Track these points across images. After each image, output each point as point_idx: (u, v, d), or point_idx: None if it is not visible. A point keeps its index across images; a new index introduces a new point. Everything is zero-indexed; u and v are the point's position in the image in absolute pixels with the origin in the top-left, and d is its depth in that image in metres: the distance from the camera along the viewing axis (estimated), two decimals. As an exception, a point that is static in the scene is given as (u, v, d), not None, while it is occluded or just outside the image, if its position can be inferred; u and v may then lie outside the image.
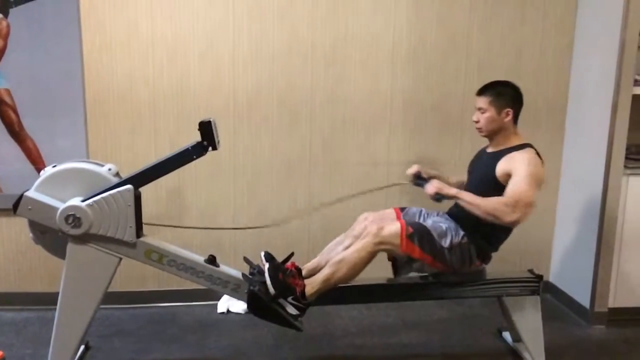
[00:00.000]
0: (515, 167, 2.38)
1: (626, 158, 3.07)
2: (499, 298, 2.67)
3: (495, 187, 2.42)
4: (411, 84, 3.32)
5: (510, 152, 2.46)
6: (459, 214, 2.53)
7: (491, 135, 2.56)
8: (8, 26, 3.00)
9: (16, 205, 2.32)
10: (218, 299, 3.30)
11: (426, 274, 2.58)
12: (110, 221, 2.34)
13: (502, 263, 3.09)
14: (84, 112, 3.12)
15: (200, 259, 2.50)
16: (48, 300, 2.83)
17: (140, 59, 3.12)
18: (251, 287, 2.35)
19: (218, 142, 2.42)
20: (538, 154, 2.48)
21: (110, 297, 2.68)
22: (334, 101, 3.29)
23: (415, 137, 3.38)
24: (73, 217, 2.30)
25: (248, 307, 2.39)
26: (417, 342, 2.98)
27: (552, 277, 3.58)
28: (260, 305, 2.34)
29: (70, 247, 2.36)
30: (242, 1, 3.14)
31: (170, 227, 2.92)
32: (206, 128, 2.37)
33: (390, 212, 2.69)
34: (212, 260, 2.51)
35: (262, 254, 2.47)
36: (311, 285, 2.40)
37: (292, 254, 2.54)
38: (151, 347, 2.87)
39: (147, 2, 3.08)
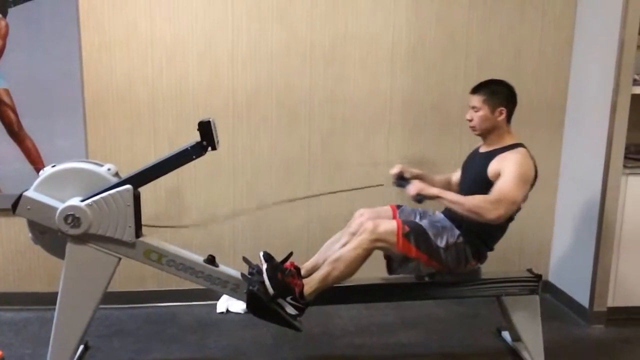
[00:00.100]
0: (505, 166, 2.40)
1: (625, 158, 3.07)
2: (498, 297, 2.67)
3: (487, 187, 2.42)
4: (410, 83, 3.32)
5: (503, 152, 2.46)
6: (454, 214, 2.53)
7: (485, 134, 2.56)
8: (7, 26, 2.99)
9: (15, 205, 2.32)
10: (217, 298, 3.30)
11: (422, 274, 2.58)
12: (109, 221, 2.34)
13: (501, 262, 3.10)
14: (83, 112, 3.12)
15: (199, 258, 2.50)
16: (47, 300, 2.83)
17: (139, 59, 3.12)
18: (250, 287, 2.35)
19: (217, 142, 2.42)
20: (530, 154, 2.48)
21: (110, 297, 2.68)
22: (333, 101, 3.29)
23: (414, 137, 3.38)
24: (72, 217, 2.30)
25: (247, 307, 2.39)
26: (416, 341, 2.98)
27: (551, 276, 3.58)
28: (260, 305, 2.34)
29: (70, 247, 2.36)
30: (241, 1, 3.14)
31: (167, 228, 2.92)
32: (205, 128, 2.37)
33: (387, 209, 2.69)
34: (211, 260, 2.51)
35: (261, 253, 2.47)
36: (309, 285, 2.40)
37: (291, 254, 2.54)
38: (150, 347, 2.87)
39: (146, 2, 3.08)
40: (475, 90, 2.54)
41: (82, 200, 2.32)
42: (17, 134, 3.10)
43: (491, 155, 2.49)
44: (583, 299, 3.24)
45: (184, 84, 3.17)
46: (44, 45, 3.03)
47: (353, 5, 3.22)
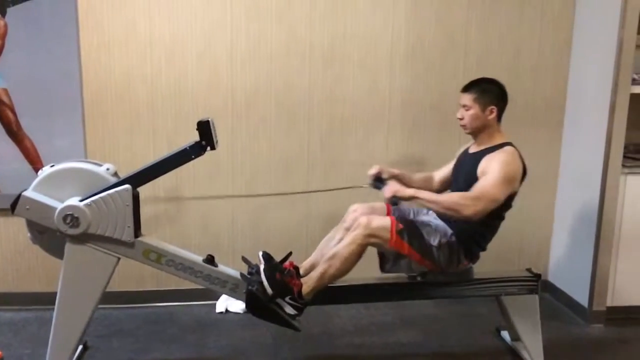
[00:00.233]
0: (490, 165, 2.41)
1: (624, 157, 3.07)
2: (497, 297, 2.67)
3: None
4: (409, 83, 3.32)
5: (491, 151, 2.47)
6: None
7: (475, 132, 2.56)
8: (5, 26, 2.99)
9: (14, 205, 2.31)
10: (216, 298, 3.30)
11: (414, 273, 2.58)
12: (108, 221, 2.33)
13: (500, 262, 3.11)
14: (82, 112, 3.12)
15: (198, 258, 2.50)
16: (46, 300, 2.82)
17: (138, 58, 3.12)
18: (249, 287, 2.35)
19: (216, 141, 2.42)
20: (518, 152, 2.47)
21: (109, 297, 2.69)
22: (332, 100, 3.29)
23: (413, 136, 3.38)
24: (71, 217, 2.29)
25: (246, 306, 2.40)
26: (416, 341, 2.98)
27: (551, 276, 3.58)
28: (259, 305, 2.34)
29: (69, 247, 2.36)
30: (240, 1, 3.13)
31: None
32: (204, 128, 2.37)
33: (381, 206, 2.68)
34: (210, 260, 2.51)
35: (260, 253, 2.47)
36: (307, 284, 2.41)
37: (290, 254, 2.54)
38: (150, 347, 2.87)
39: (145, 2, 3.07)
40: (466, 88, 2.54)
41: (81, 200, 2.32)
42: (15, 134, 3.10)
43: (480, 155, 2.49)
44: (582, 299, 3.24)
45: (183, 83, 3.17)
46: (42, 45, 3.02)
47: (352, 5, 3.21)
